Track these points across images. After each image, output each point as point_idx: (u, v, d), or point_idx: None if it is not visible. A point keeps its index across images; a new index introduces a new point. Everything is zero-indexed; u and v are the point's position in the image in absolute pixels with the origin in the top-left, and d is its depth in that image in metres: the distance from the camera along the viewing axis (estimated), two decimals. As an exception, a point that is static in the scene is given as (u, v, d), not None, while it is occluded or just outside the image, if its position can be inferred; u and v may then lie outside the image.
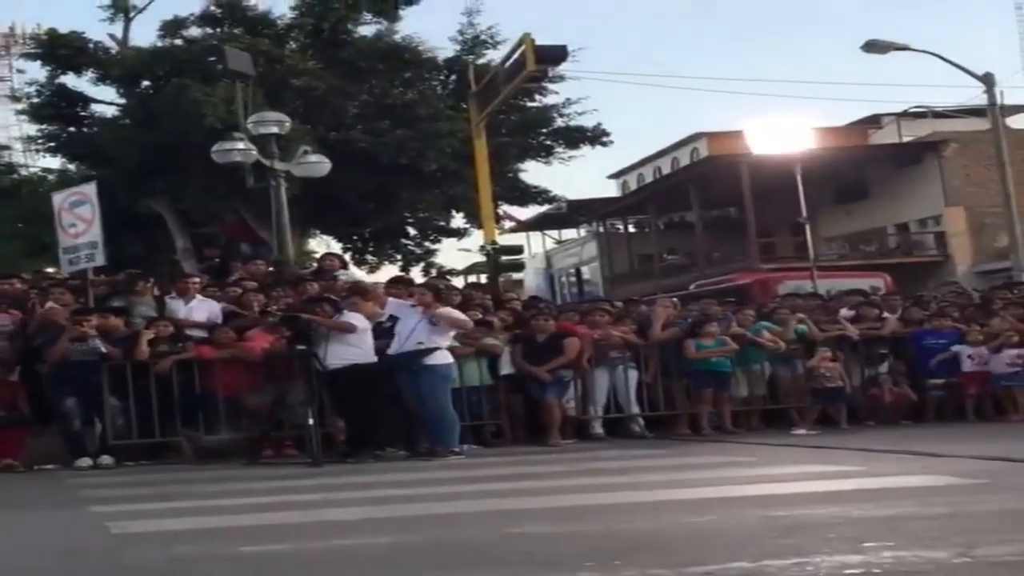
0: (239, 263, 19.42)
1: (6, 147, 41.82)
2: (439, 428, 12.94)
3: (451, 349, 13.44)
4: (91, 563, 6.27)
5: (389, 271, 34.25)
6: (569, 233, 60.29)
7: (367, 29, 33.97)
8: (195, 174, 28.47)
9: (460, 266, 41.93)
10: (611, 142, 36.19)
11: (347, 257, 27.84)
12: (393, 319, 13.75)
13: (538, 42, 27.68)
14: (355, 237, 35.99)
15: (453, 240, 38.15)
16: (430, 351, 12.99)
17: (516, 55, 28.89)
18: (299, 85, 31.15)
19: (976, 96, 33.31)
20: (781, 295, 21.50)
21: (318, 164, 23.43)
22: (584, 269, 57.06)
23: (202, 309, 14.89)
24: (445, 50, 34.66)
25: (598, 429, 15.20)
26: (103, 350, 13.20)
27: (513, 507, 8.06)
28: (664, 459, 12.08)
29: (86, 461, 12.77)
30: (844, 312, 17.60)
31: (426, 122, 31.62)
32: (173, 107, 29.29)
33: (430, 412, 12.92)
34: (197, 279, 16.10)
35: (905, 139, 48.34)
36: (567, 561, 5.60)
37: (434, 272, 35.08)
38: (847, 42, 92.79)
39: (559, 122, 35.72)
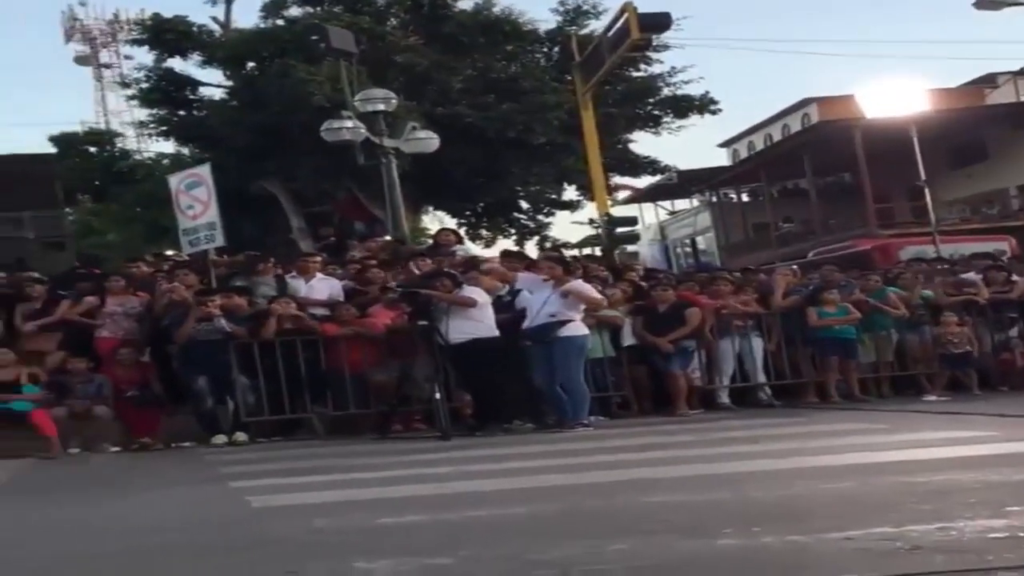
0: (355, 241, 19.59)
1: (120, 134, 42.57)
2: (571, 400, 12.89)
3: (574, 321, 13.42)
4: (236, 536, 6.35)
5: (503, 245, 34.31)
6: (682, 203, 59.81)
7: (466, 3, 34.01)
8: (305, 153, 28.73)
9: (574, 239, 41.91)
10: (719, 110, 35.94)
11: (462, 232, 27.95)
12: (513, 293, 13.81)
13: (640, 10, 27.45)
14: (468, 212, 36.10)
15: (566, 213, 38.17)
16: (563, 323, 12.95)
17: (619, 24, 28.69)
18: (402, 62, 31.26)
19: (1096, 51, 32.40)
20: (904, 260, 21.18)
21: (427, 140, 23.60)
22: (699, 239, 56.58)
23: (323, 287, 15.04)
24: (546, 22, 34.59)
25: (724, 399, 15.13)
26: (228, 329, 13.38)
27: (646, 476, 8.04)
28: (795, 427, 11.90)
29: (221, 438, 12.98)
30: (971, 276, 17.25)
31: (531, 95, 31.59)
32: (279, 87, 29.58)
33: (563, 384, 12.87)
34: (318, 258, 16.26)
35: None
36: (705, 529, 5.56)
37: (548, 245, 35.09)
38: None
39: (666, 91, 35.51)
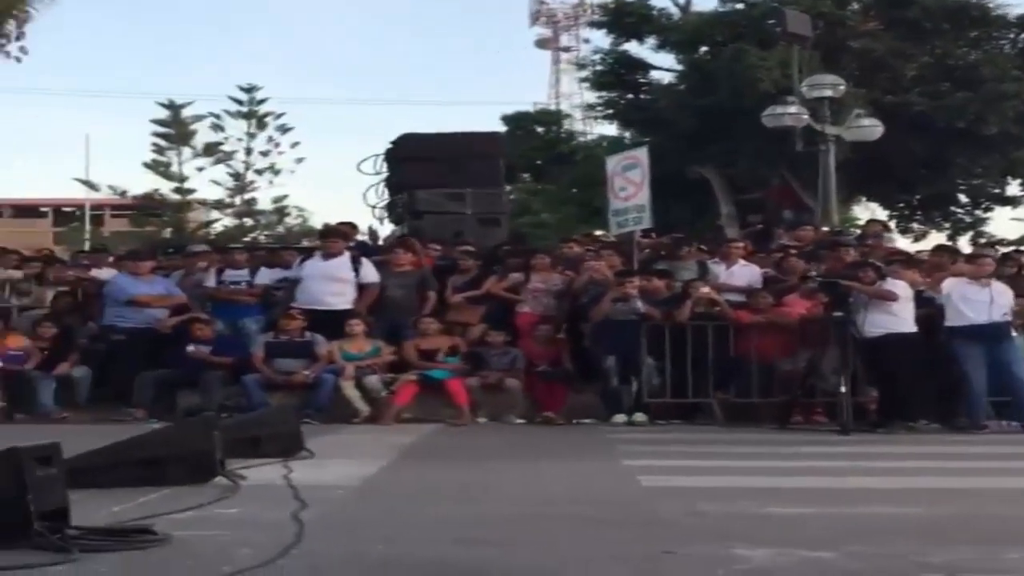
0: (782, 229, 19.42)
1: (568, 115, 43.83)
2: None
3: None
4: (621, 512, 6.52)
5: (934, 240, 32.93)
6: None
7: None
8: (745, 140, 28.62)
9: (1011, 235, 39.71)
10: None
11: (891, 224, 27.14)
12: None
13: None
14: (902, 204, 34.94)
15: (1007, 209, 36.19)
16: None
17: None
18: (857, 47, 30.58)
19: None
20: None
21: (870, 128, 23.32)
22: None
23: (743, 274, 15.00)
24: (1017, 6, 32.89)
25: None
26: (642, 310, 13.52)
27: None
28: None
29: (621, 417, 13.15)
30: None
31: (990, 84, 30.11)
32: (729, 72, 29.52)
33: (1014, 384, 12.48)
34: (741, 244, 16.22)
35: None
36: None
37: (983, 241, 33.45)
38: None
39: None
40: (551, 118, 41.65)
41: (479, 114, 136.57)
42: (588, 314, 13.86)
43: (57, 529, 5.09)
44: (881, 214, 32.99)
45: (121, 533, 5.38)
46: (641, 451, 9.90)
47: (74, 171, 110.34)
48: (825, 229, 19.53)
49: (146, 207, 50.01)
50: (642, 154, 16.12)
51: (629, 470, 8.54)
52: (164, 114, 49.69)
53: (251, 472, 7.66)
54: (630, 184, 15.72)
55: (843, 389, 11.98)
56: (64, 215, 67.63)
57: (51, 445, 5.47)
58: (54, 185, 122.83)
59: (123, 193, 49.81)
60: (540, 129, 38.96)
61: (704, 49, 32.94)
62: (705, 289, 14.00)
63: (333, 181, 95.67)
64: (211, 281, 15.00)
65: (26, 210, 73.01)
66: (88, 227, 58.95)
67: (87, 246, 34.52)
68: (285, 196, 51.77)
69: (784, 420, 12.76)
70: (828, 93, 22.83)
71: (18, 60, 23.33)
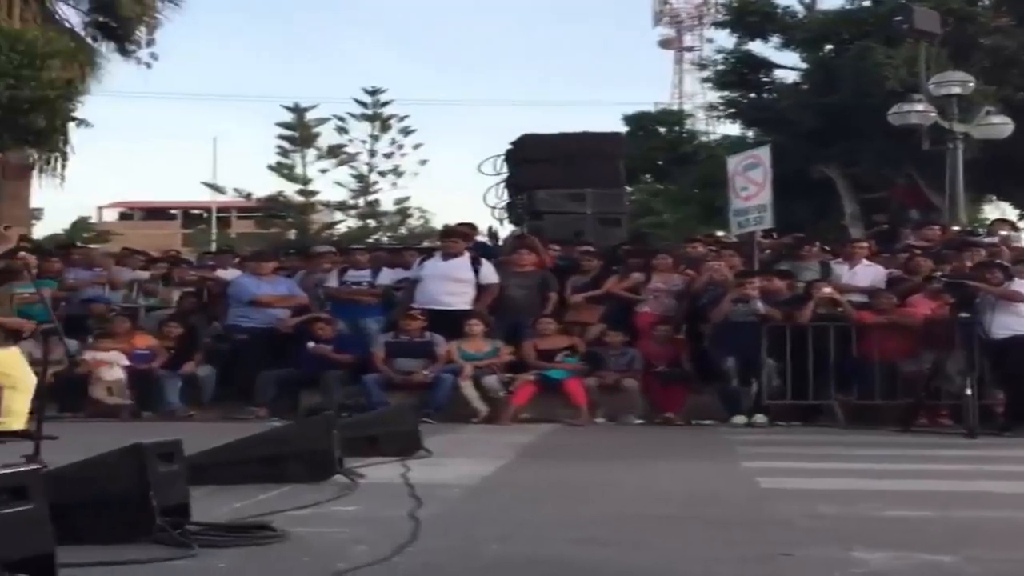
0: (908, 229, 19.13)
1: (690, 115, 43.64)
2: None
3: None
4: (738, 513, 6.50)
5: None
6: None
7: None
8: (868, 138, 28.25)
9: None
10: None
11: (1021, 224, 26.48)
12: None
13: None
14: (1032, 203, 34.17)
15: None
16: None
17: None
18: (988, 44, 29.96)
19: None
20: None
21: (1000, 126, 22.88)
22: None
23: (866, 274, 14.79)
24: None
25: None
26: (763, 311, 13.42)
27: None
28: None
29: (741, 419, 13.06)
30: None
31: None
32: (854, 70, 29.15)
33: None
34: (864, 244, 15.99)
35: None
36: None
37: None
38: None
39: None
40: (673, 118, 41.54)
41: (600, 114, 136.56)
42: (708, 314, 13.81)
43: (178, 524, 5.21)
44: (1011, 213, 32.34)
45: (240, 529, 5.49)
46: (760, 452, 9.86)
47: (202, 173, 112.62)
48: (956, 229, 19.20)
49: (271, 209, 50.90)
50: (764, 153, 16.00)
51: (748, 471, 8.50)
52: (289, 117, 50.61)
53: (369, 470, 7.74)
54: (752, 184, 15.61)
55: (969, 391, 11.74)
56: (192, 217, 69.25)
57: (173, 442, 5.58)
58: (183, 187, 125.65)
59: (248, 195, 50.85)
60: (662, 129, 38.85)
61: (829, 47, 32.57)
62: (827, 289, 13.85)
63: (455, 182, 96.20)
64: (333, 281, 15.22)
65: (156, 212, 74.77)
66: (215, 229, 60.20)
67: (214, 247, 35.21)
68: (407, 197, 52.35)
69: (908, 422, 12.50)
70: (956, 90, 22.49)
71: (148, 66, 23.89)
